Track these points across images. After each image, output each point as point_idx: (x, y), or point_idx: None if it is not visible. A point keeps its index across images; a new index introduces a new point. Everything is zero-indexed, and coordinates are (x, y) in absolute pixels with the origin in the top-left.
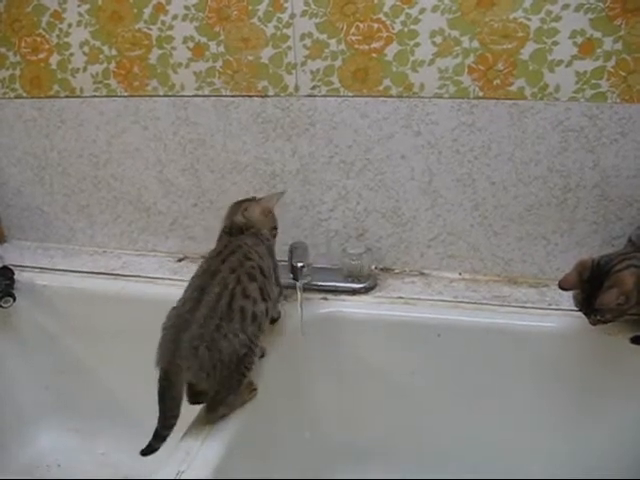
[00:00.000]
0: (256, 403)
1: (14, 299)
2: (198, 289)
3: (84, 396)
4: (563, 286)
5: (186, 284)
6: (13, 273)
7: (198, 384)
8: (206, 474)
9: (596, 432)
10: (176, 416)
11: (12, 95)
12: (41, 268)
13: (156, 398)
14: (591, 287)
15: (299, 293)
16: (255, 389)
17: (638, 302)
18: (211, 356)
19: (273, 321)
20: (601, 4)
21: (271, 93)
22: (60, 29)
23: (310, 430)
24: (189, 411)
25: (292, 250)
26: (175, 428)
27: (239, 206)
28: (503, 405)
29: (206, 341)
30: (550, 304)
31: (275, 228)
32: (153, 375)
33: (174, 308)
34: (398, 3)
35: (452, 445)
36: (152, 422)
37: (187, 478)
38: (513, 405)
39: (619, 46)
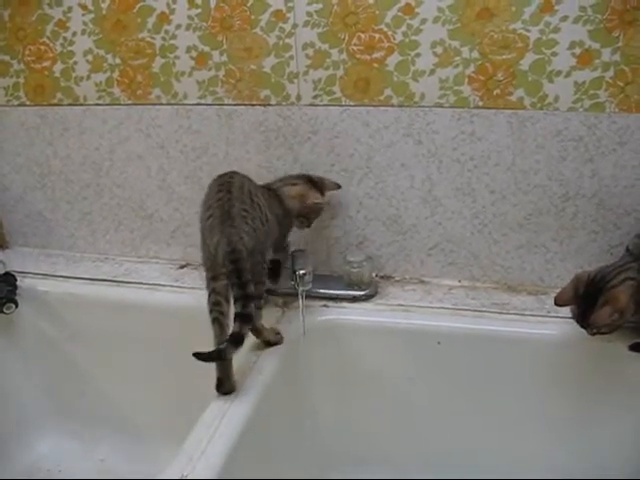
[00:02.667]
0: (258, 407)
1: (16, 305)
2: (224, 189)
3: (85, 402)
4: (558, 302)
5: (188, 291)
6: (15, 279)
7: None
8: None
9: (595, 439)
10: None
11: (16, 103)
12: (43, 274)
13: (156, 404)
14: (586, 302)
15: (300, 300)
16: (279, 334)
17: (636, 311)
18: (254, 228)
19: (270, 344)
20: (599, 16)
21: (273, 102)
22: (64, 38)
23: (309, 437)
24: (191, 414)
25: (293, 258)
26: (176, 432)
27: (298, 178)
28: (502, 412)
29: (251, 215)
30: (549, 311)
31: (305, 217)
32: (153, 381)
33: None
34: (399, 14)
35: (451, 452)
36: (152, 428)
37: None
38: (512, 412)
39: (617, 57)
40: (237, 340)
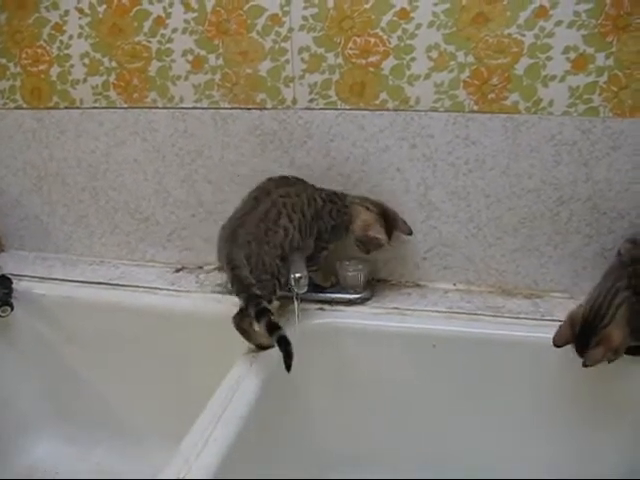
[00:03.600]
0: (254, 409)
1: (12, 308)
2: (253, 200)
3: (81, 405)
4: (557, 343)
5: (184, 295)
6: (11, 282)
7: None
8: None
9: (591, 443)
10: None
11: (12, 106)
12: (39, 277)
13: (153, 407)
14: (582, 341)
15: (296, 303)
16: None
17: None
18: (258, 251)
19: (264, 348)
20: (593, 21)
21: (269, 106)
22: (61, 41)
23: (307, 438)
24: (188, 417)
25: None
26: (172, 434)
27: (375, 205)
28: (497, 415)
29: (256, 239)
30: (544, 315)
31: (362, 244)
32: (149, 384)
33: (231, 217)
34: (395, 18)
35: (447, 454)
36: (147, 431)
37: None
38: (507, 415)
39: (611, 62)
40: (273, 327)
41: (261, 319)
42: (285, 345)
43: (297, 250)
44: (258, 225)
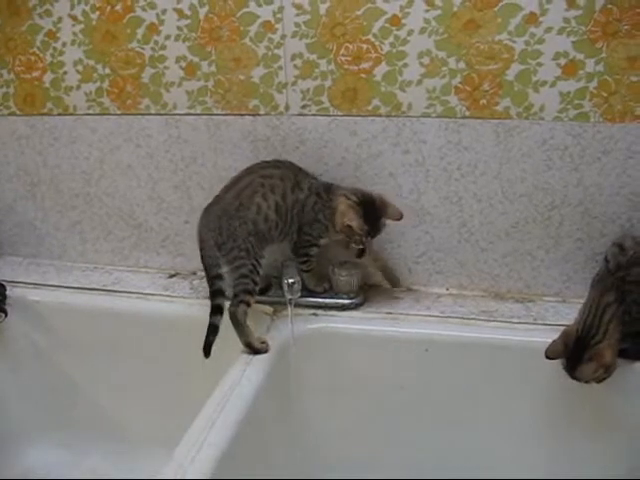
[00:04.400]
0: (247, 415)
1: (6, 314)
2: (234, 179)
3: (74, 411)
4: (549, 356)
5: (177, 300)
6: (5, 288)
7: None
8: None
9: (585, 446)
10: (216, 265)
11: (5, 112)
12: (33, 284)
13: (146, 413)
14: (574, 356)
15: (290, 308)
16: (265, 343)
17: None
18: (228, 226)
19: (254, 351)
20: (583, 27)
21: (262, 112)
22: (54, 48)
23: (301, 442)
24: (182, 422)
25: (283, 267)
26: (166, 440)
27: (355, 193)
28: (490, 419)
29: (227, 215)
30: (536, 319)
31: (345, 235)
32: (143, 390)
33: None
34: (387, 25)
35: (440, 459)
36: (142, 437)
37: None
38: (500, 419)
39: (601, 68)
40: (215, 309)
41: (213, 299)
42: (210, 333)
43: (278, 235)
44: (231, 202)
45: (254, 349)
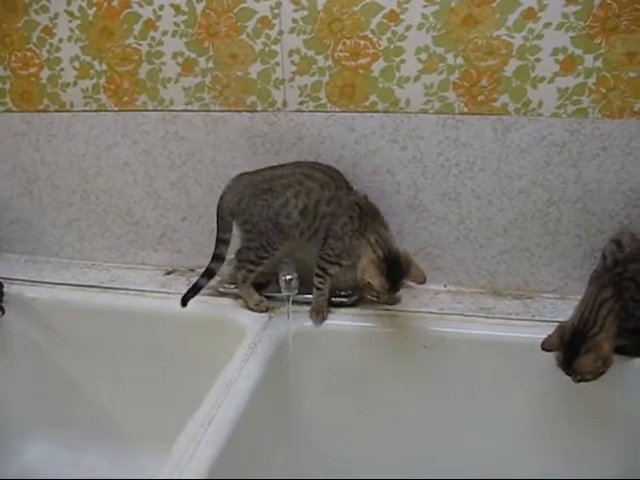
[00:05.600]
0: (245, 412)
1: (3, 312)
2: (279, 165)
3: (72, 409)
4: (545, 347)
5: (174, 297)
6: (2, 286)
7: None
8: None
9: (584, 444)
10: (223, 229)
11: (2, 109)
12: (30, 281)
13: (144, 410)
14: (571, 350)
15: (288, 305)
16: (259, 304)
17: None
18: (248, 201)
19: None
20: (581, 23)
21: (259, 108)
22: (51, 44)
23: (297, 441)
24: (179, 420)
25: (280, 264)
26: (164, 438)
27: (386, 247)
28: (488, 416)
29: (253, 191)
30: (534, 315)
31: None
32: (141, 387)
33: None
34: (384, 20)
35: (438, 456)
36: (140, 435)
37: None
38: (498, 416)
39: (599, 63)
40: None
41: (210, 262)
42: (190, 290)
43: (299, 234)
44: (263, 182)
45: (250, 309)
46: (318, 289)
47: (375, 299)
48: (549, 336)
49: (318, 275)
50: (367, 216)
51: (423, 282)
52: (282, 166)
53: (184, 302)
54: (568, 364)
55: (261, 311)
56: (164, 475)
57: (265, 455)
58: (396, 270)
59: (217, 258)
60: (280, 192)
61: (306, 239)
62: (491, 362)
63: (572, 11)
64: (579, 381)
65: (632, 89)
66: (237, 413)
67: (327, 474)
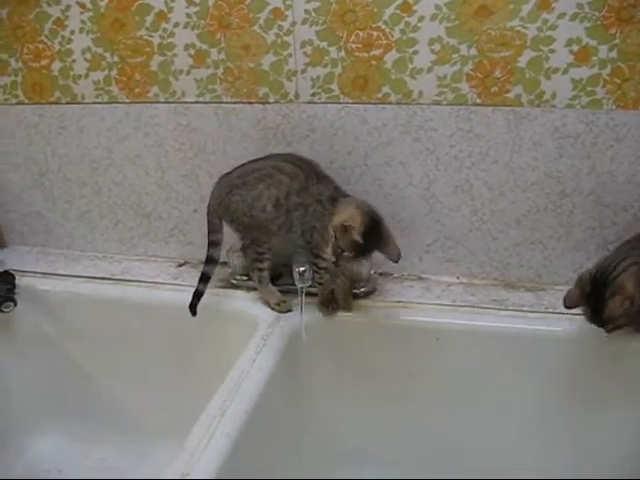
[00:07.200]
0: (257, 404)
1: (15, 304)
2: (255, 159)
3: (84, 401)
4: (567, 304)
5: (186, 289)
6: (14, 278)
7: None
8: (210, 476)
9: (595, 435)
10: (212, 232)
11: (14, 101)
12: (42, 273)
13: (156, 402)
14: (595, 299)
15: (300, 297)
16: (280, 303)
17: None
18: (228, 200)
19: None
20: (596, 13)
21: (272, 100)
22: (62, 36)
23: (310, 433)
24: (192, 412)
25: (294, 255)
26: (176, 430)
27: (375, 217)
28: (501, 408)
29: (229, 189)
30: (547, 307)
31: (335, 233)
32: (153, 379)
33: None
34: (397, 11)
35: (450, 449)
36: (152, 427)
37: (193, 478)
38: (511, 408)
39: (614, 54)
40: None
41: (204, 266)
42: (194, 297)
43: (277, 229)
44: (236, 178)
45: (272, 309)
46: (319, 284)
47: (338, 252)
48: (569, 291)
49: (314, 271)
50: (337, 199)
51: (396, 260)
52: (256, 160)
53: (193, 311)
54: (598, 315)
55: (281, 312)
56: (177, 466)
57: (278, 446)
58: (374, 235)
59: (209, 261)
60: (253, 185)
61: (285, 233)
62: (504, 354)
63: (587, 1)
64: (611, 330)
65: None
66: (250, 405)
67: (339, 465)
